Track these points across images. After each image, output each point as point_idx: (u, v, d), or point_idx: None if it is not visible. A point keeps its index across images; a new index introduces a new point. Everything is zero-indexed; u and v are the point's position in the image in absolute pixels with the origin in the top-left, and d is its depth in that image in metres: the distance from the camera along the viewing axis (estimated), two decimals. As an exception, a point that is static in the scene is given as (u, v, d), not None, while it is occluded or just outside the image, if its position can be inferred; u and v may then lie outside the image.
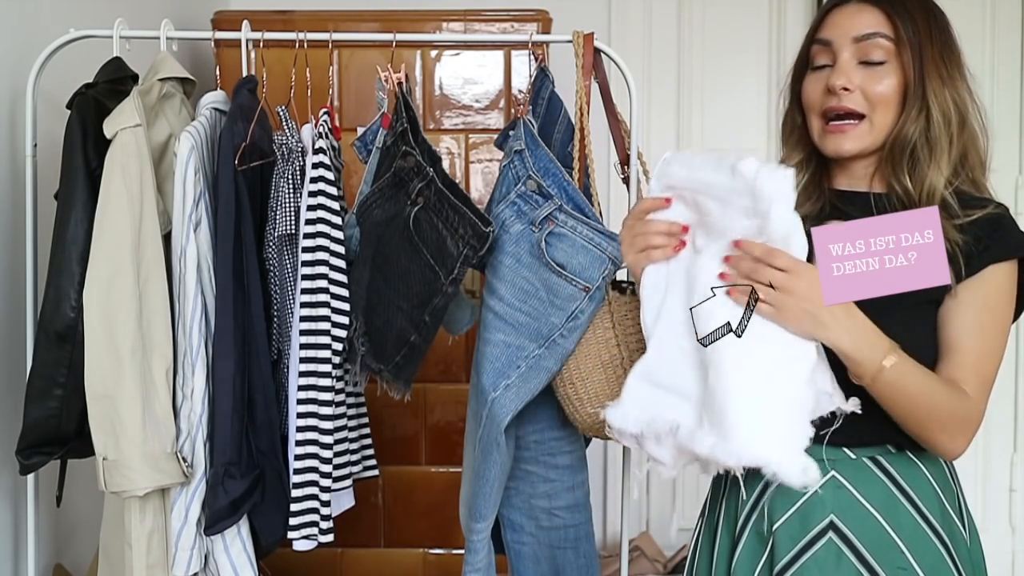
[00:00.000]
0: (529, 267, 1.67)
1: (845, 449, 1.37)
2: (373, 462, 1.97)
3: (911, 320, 1.34)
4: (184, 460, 1.63)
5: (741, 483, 1.36)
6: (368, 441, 1.97)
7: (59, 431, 1.65)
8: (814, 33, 1.44)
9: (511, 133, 1.77)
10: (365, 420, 1.97)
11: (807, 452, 1.28)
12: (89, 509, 1.99)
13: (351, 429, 1.88)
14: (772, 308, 1.24)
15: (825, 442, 1.33)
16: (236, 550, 1.71)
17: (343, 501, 1.84)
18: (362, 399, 1.96)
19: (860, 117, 1.39)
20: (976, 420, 1.34)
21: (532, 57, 1.84)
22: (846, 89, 1.38)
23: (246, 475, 1.68)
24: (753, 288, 1.24)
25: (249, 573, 1.72)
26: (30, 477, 1.78)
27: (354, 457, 1.90)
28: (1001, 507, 3.27)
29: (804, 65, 1.46)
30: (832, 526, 1.35)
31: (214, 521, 1.65)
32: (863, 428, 1.33)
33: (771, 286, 1.23)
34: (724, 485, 1.50)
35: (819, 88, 1.41)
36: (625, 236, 1.41)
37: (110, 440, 1.58)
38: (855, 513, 1.35)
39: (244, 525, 1.72)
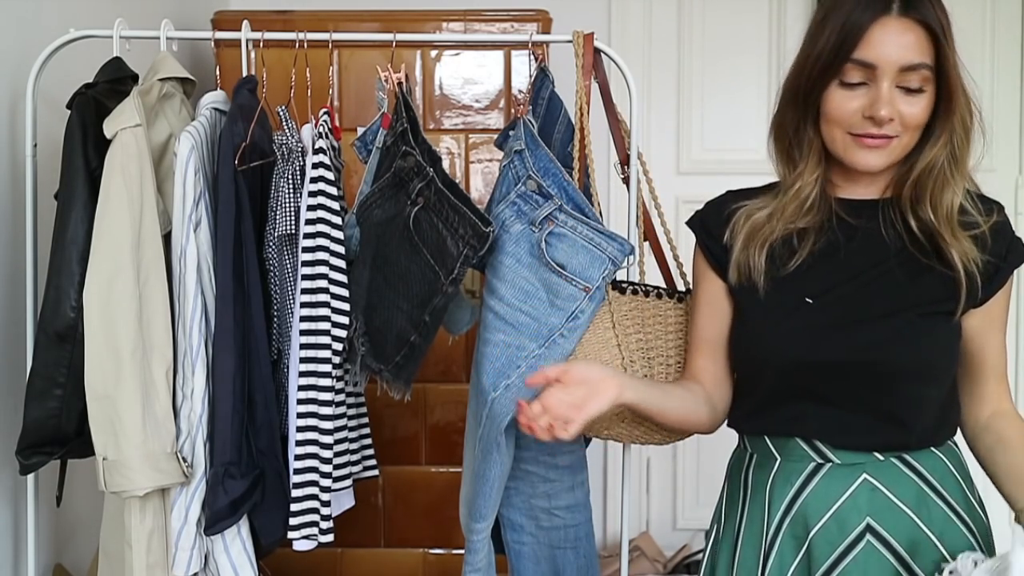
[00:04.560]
0: (529, 267, 1.67)
1: (871, 451, 1.38)
2: (373, 462, 1.97)
3: (915, 330, 1.36)
4: (184, 460, 1.63)
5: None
6: (368, 441, 1.97)
7: (59, 431, 1.65)
8: (852, 49, 1.31)
9: (511, 133, 1.77)
10: (365, 420, 1.97)
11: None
12: (89, 509, 1.99)
13: (351, 429, 1.88)
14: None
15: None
16: (236, 550, 1.70)
17: (343, 501, 1.84)
18: (362, 399, 1.96)
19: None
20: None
21: (532, 57, 1.84)
22: (891, 120, 1.32)
23: (246, 475, 1.68)
24: None
25: (249, 573, 1.72)
26: (30, 477, 1.78)
27: (354, 457, 1.90)
28: (1001, 507, 3.26)
29: (827, 75, 1.34)
30: (869, 528, 1.35)
31: (214, 521, 1.65)
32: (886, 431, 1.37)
33: None
34: (744, 489, 1.47)
35: (854, 107, 1.33)
36: None
37: (110, 440, 1.58)
38: (890, 513, 1.36)
39: (244, 525, 1.72)
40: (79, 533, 2.05)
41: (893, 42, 1.30)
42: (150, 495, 1.63)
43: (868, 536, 1.35)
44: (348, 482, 1.83)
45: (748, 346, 1.45)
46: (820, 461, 1.38)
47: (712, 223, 1.49)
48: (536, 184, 1.68)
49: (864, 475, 1.36)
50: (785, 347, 1.38)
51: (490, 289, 1.69)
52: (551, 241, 1.65)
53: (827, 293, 1.39)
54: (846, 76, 1.33)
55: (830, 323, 1.37)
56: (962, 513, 1.38)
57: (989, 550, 1.40)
